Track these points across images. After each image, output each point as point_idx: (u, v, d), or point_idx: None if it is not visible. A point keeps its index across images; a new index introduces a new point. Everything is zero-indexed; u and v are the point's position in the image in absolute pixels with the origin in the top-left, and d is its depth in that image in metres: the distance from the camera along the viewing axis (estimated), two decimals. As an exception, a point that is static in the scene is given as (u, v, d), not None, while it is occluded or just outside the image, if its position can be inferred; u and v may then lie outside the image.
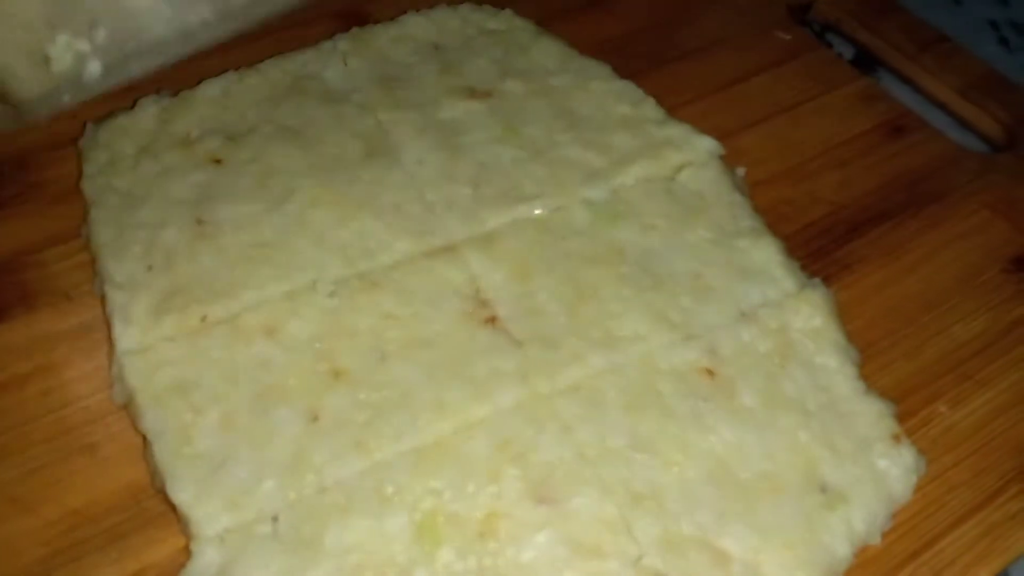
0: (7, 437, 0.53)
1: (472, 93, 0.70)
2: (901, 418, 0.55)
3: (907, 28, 0.82)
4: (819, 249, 0.65)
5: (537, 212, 0.62)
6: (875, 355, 0.59)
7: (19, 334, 0.57)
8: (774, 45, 0.79)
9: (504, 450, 0.51)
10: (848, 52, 0.83)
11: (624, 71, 0.72)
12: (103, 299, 0.57)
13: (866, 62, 0.82)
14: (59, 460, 0.52)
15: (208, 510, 0.48)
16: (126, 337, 0.54)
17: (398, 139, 0.66)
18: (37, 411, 0.54)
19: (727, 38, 0.79)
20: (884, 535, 0.51)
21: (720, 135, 0.68)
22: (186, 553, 0.48)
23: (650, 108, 0.69)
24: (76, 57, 0.54)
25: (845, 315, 0.60)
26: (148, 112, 0.65)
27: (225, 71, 0.68)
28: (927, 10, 0.84)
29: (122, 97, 0.64)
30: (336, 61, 0.71)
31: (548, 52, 0.73)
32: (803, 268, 0.62)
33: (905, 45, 0.81)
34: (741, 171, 0.68)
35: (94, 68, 0.55)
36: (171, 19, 0.56)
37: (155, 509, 0.50)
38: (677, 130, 0.67)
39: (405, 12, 0.75)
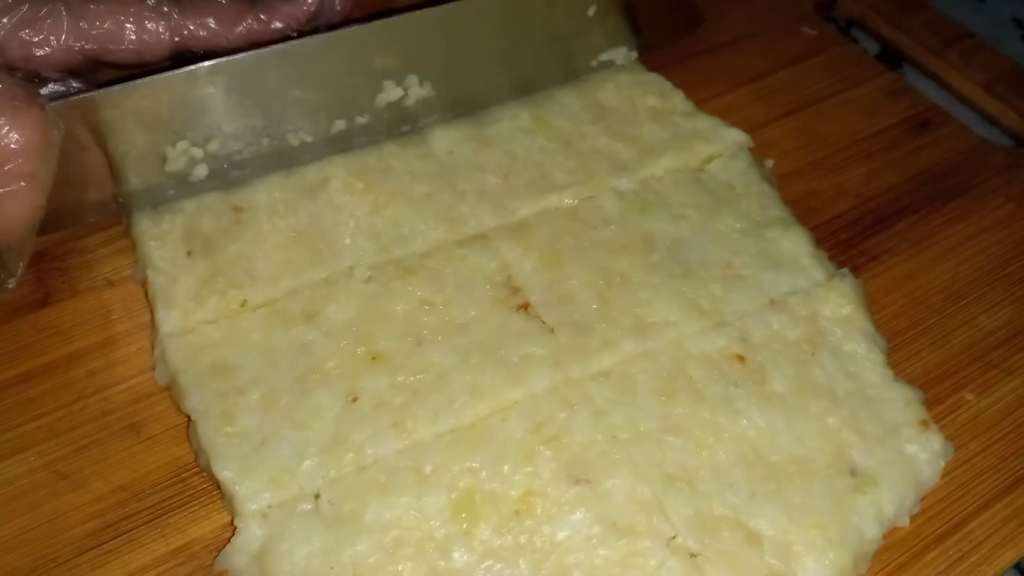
0: (56, 416, 0.54)
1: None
2: (929, 405, 0.56)
3: (932, 24, 0.82)
4: (846, 240, 0.66)
5: (567, 201, 0.64)
6: (902, 344, 0.60)
7: (64, 318, 0.58)
8: (800, 40, 0.80)
9: (538, 432, 0.52)
10: (873, 48, 0.84)
11: (652, 65, 0.73)
12: (144, 283, 0.59)
13: (891, 58, 0.83)
14: (106, 438, 0.53)
15: (251, 487, 0.49)
16: (168, 320, 0.56)
17: (428, 130, 0.67)
18: (84, 391, 0.55)
19: (753, 33, 0.80)
20: (912, 518, 0.52)
21: (747, 128, 0.69)
22: (230, 529, 0.49)
23: (679, 100, 0.70)
24: (189, 161, 0.60)
25: (872, 305, 0.61)
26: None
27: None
28: (952, 7, 0.84)
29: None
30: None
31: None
32: (831, 258, 0.63)
33: (930, 41, 0.81)
34: (769, 163, 0.69)
35: (201, 171, 0.61)
36: (273, 140, 0.62)
37: (199, 486, 0.52)
38: (706, 122, 0.68)
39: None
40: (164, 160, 0.59)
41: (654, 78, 0.72)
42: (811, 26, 0.82)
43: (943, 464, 0.53)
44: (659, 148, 0.67)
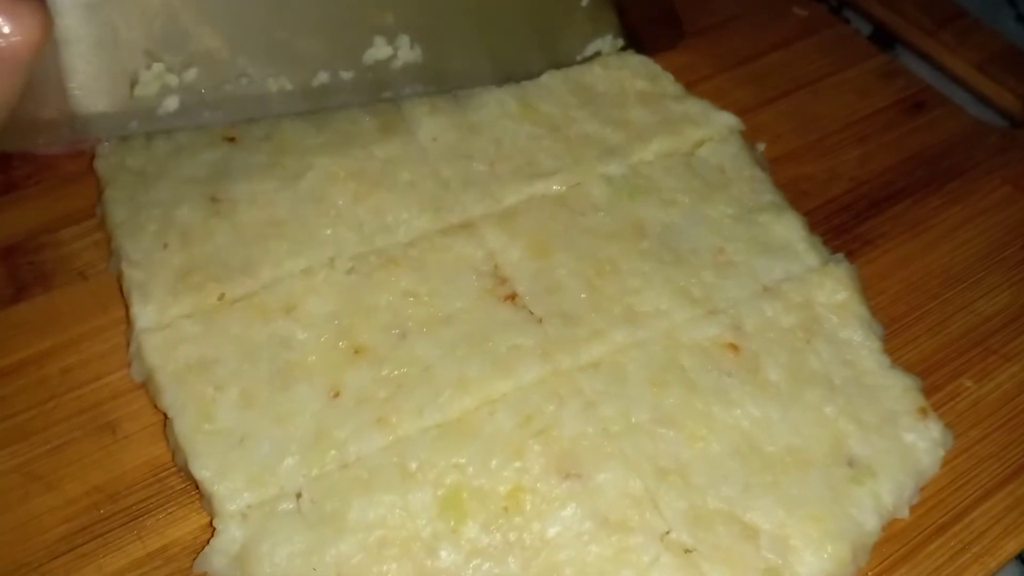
0: (29, 415, 0.52)
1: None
2: (927, 392, 0.55)
3: (924, 4, 0.81)
4: (840, 225, 0.64)
5: (555, 188, 0.62)
6: (899, 330, 0.59)
7: (37, 313, 0.56)
8: (791, 22, 0.79)
9: (527, 425, 0.50)
10: (865, 28, 0.82)
11: (639, 48, 0.71)
12: (119, 277, 0.57)
13: (883, 38, 0.81)
14: (81, 438, 0.52)
15: (230, 486, 0.48)
16: (144, 315, 0.54)
17: (412, 116, 0.65)
18: (58, 389, 0.53)
19: (743, 15, 0.79)
20: (912, 508, 0.51)
21: (738, 111, 0.67)
22: (209, 530, 0.48)
23: (668, 84, 0.69)
24: (161, 88, 0.56)
25: (868, 290, 0.59)
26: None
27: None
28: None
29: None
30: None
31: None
32: (825, 243, 0.61)
33: (923, 21, 0.80)
34: (761, 146, 0.68)
35: (171, 103, 0.57)
36: (253, 81, 0.58)
37: (177, 486, 0.50)
38: (696, 105, 0.67)
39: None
40: (134, 83, 0.55)
41: (643, 61, 0.70)
42: (802, 7, 0.80)
43: (942, 453, 0.52)
44: (648, 132, 0.65)
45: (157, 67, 0.55)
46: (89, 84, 0.53)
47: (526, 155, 0.64)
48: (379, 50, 0.61)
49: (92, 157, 0.62)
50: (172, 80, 0.56)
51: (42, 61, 0.46)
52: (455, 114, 0.66)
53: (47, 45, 0.42)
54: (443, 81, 0.65)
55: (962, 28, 0.79)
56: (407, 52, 0.62)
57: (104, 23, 0.51)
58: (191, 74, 0.56)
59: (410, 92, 0.64)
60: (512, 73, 0.68)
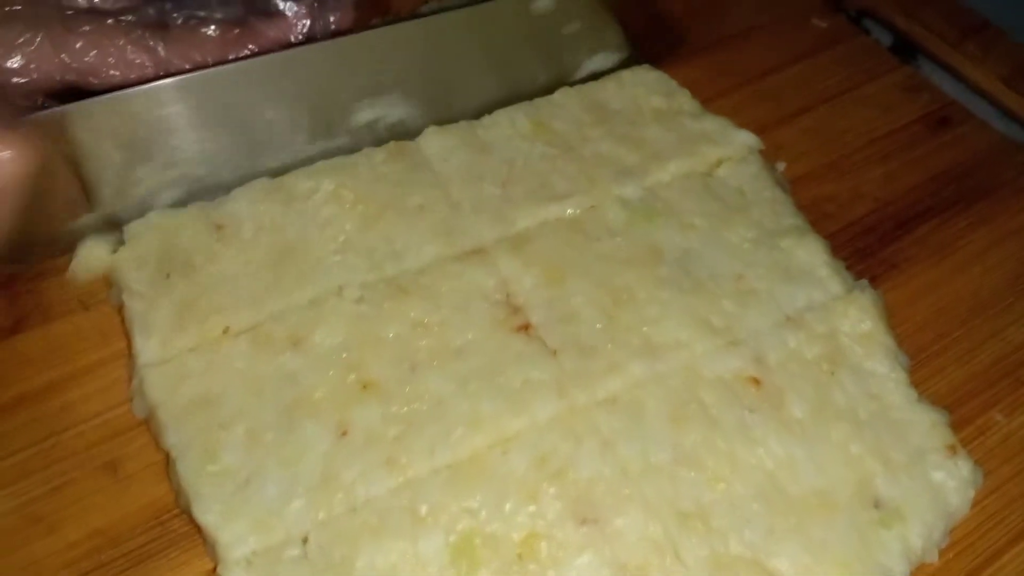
0: (28, 453, 0.51)
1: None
2: (956, 427, 0.53)
3: (947, 14, 0.78)
4: (864, 248, 0.62)
5: (569, 212, 0.60)
6: (926, 360, 0.57)
7: (36, 345, 0.55)
8: (810, 33, 0.76)
9: (542, 467, 0.48)
10: (886, 39, 0.80)
11: (656, 62, 0.69)
12: (120, 308, 0.55)
13: (905, 49, 0.79)
14: (81, 478, 0.50)
15: (235, 532, 0.46)
16: (146, 350, 0.52)
17: (422, 136, 0.63)
18: (57, 426, 0.52)
19: (761, 26, 0.76)
20: (941, 552, 0.49)
21: (757, 128, 0.65)
22: (213, 576, 0.46)
23: (684, 100, 0.67)
24: (158, 184, 0.57)
25: (893, 317, 0.57)
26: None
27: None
28: (966, -6, 0.80)
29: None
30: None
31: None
32: (848, 268, 0.59)
33: (946, 31, 0.77)
34: (781, 166, 0.66)
35: (170, 196, 0.58)
36: (239, 167, 0.59)
37: (180, 529, 0.48)
38: (714, 124, 0.65)
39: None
40: (130, 186, 0.55)
41: (658, 77, 0.68)
42: (821, 18, 0.78)
43: (973, 493, 0.50)
44: (665, 152, 0.63)
45: (145, 169, 0.56)
46: (86, 192, 0.55)
47: (539, 176, 0.62)
48: (368, 113, 0.61)
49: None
50: (167, 176, 0.57)
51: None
52: (466, 133, 0.64)
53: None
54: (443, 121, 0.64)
55: (987, 39, 0.76)
56: (399, 109, 0.61)
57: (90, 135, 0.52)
58: (182, 168, 0.57)
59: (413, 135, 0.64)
60: (518, 93, 0.66)
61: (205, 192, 0.58)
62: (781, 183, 0.64)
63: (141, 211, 0.57)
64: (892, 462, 0.50)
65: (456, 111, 0.64)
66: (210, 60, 0.53)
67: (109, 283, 0.56)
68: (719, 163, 0.63)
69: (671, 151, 0.63)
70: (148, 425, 0.51)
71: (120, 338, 0.55)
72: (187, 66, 0.52)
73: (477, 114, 0.64)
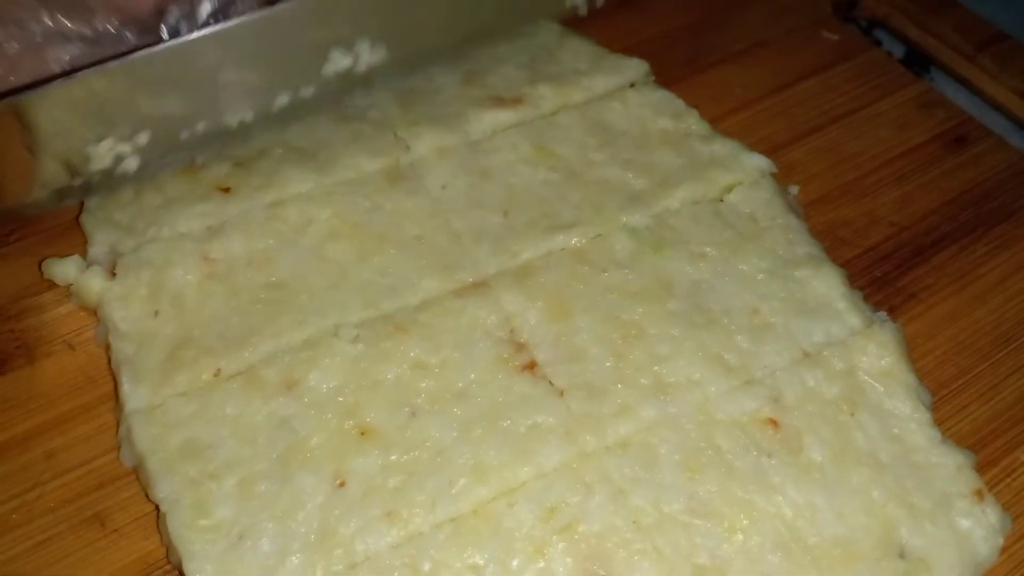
0: (12, 506, 0.48)
1: (499, 102, 0.64)
2: (981, 468, 0.50)
3: (962, 25, 0.76)
4: (882, 277, 0.60)
5: (574, 241, 0.58)
6: (949, 396, 0.54)
7: (20, 389, 0.53)
8: (821, 47, 0.74)
9: (550, 519, 0.46)
10: (898, 51, 0.77)
11: (659, 78, 0.67)
12: (107, 348, 0.53)
13: (918, 61, 0.76)
14: (67, 531, 0.48)
15: (228, 594, 0.44)
16: (135, 396, 0.50)
17: (420, 161, 0.61)
18: (42, 476, 0.49)
19: (770, 40, 0.74)
20: (969, 605, 0.47)
21: (768, 149, 0.63)
22: (205, 641, 0.44)
23: (693, 121, 0.64)
24: (115, 158, 0.54)
25: (913, 351, 0.55)
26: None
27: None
28: (980, 4, 0.78)
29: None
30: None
31: (577, 53, 0.68)
32: (866, 299, 0.57)
33: (960, 44, 0.75)
34: (794, 189, 0.63)
35: (131, 164, 0.55)
36: (210, 120, 0.55)
37: (171, 588, 0.46)
38: (724, 146, 0.62)
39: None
40: (88, 159, 0.52)
41: (665, 96, 0.66)
42: (831, 30, 0.76)
43: (1001, 540, 0.48)
44: (674, 177, 0.61)
45: (106, 143, 0.52)
46: (41, 169, 0.52)
47: (542, 204, 0.59)
48: (338, 63, 0.57)
49: (79, 210, 0.58)
50: (124, 148, 0.53)
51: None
52: (465, 157, 0.61)
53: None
54: (408, 66, 0.61)
55: (1003, 52, 0.74)
56: (368, 56, 0.58)
57: (47, 118, 0.49)
58: (143, 138, 0.53)
59: (380, 86, 0.61)
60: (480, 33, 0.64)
61: (168, 151, 0.56)
62: (794, 208, 0.61)
63: (101, 184, 0.55)
64: (916, 508, 0.48)
65: (426, 51, 0.62)
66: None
67: (96, 318, 0.54)
68: (730, 188, 0.61)
69: (680, 176, 0.61)
70: (137, 475, 0.49)
71: (107, 380, 0.53)
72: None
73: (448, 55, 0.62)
